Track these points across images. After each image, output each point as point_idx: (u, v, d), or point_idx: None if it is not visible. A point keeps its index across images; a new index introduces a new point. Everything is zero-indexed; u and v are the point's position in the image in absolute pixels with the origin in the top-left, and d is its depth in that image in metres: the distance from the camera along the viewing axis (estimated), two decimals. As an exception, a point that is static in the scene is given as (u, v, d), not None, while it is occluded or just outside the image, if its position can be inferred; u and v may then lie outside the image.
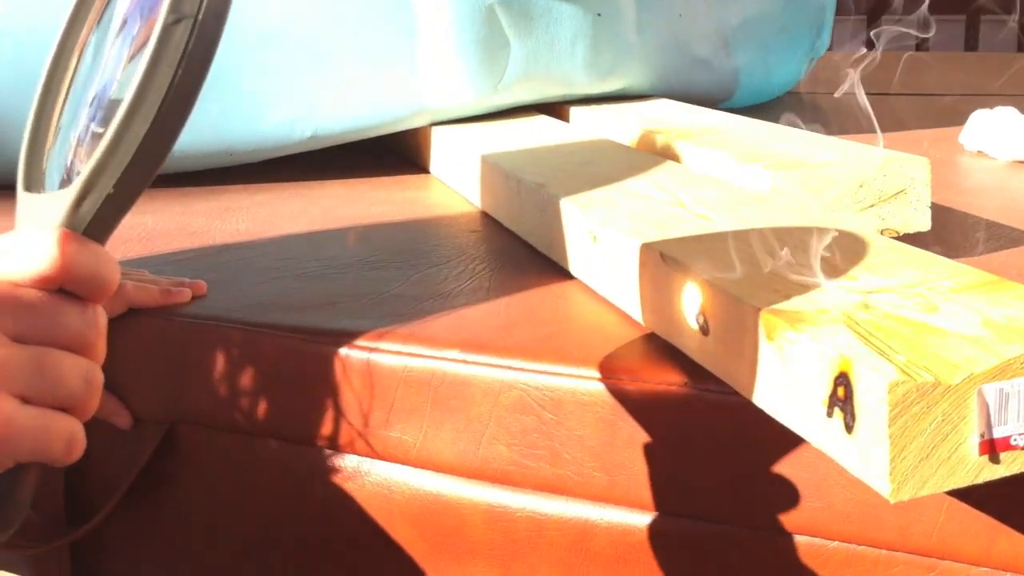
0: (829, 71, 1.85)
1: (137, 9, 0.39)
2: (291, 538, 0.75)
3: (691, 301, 0.59)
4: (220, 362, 0.74)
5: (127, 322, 0.74)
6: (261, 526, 0.76)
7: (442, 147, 1.11)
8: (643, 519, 0.63)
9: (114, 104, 0.37)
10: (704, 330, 0.58)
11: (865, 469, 0.45)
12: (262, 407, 0.73)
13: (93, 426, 0.76)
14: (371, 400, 0.68)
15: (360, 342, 0.69)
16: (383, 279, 0.80)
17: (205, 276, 0.79)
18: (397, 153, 1.24)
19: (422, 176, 1.15)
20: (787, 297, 0.53)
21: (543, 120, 1.14)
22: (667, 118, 1.08)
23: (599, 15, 1.16)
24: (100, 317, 0.39)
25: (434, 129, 1.13)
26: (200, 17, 0.35)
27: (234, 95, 1.07)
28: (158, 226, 0.97)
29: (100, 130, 0.37)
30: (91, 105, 0.39)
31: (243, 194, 1.08)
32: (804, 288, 0.54)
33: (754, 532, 0.60)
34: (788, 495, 0.59)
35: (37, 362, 0.37)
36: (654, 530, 0.63)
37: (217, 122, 1.08)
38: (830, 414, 0.47)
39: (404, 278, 0.79)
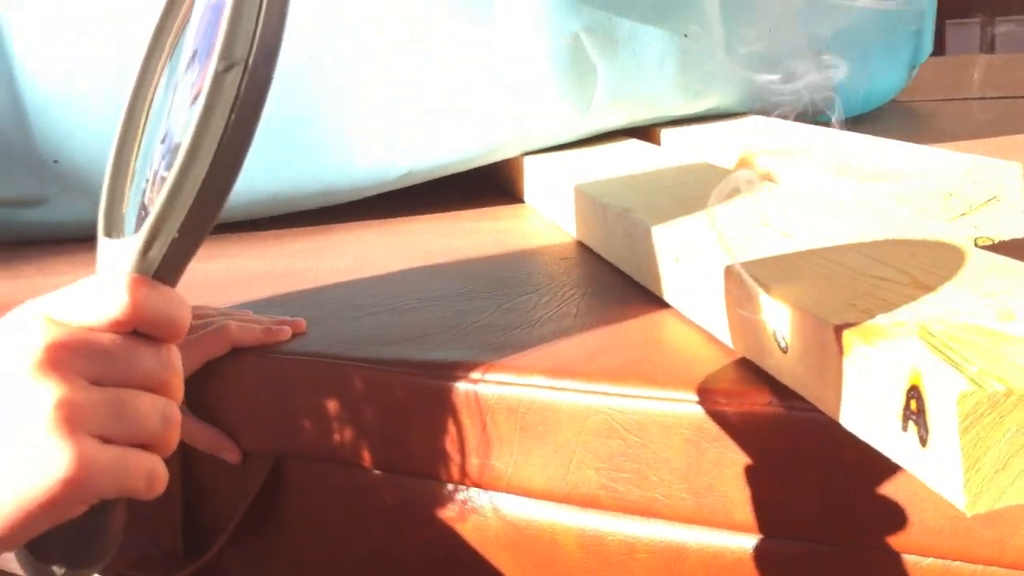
0: (935, 76, 1.81)
1: (199, 51, 0.41)
2: (395, 565, 0.77)
3: (771, 320, 0.59)
4: (320, 396, 0.76)
5: (232, 361, 0.77)
6: (366, 554, 0.78)
7: (534, 176, 1.13)
8: (734, 540, 0.63)
9: (177, 147, 0.39)
10: (784, 349, 0.58)
11: (941, 482, 0.45)
12: (362, 439, 0.76)
13: (206, 462, 0.80)
14: (462, 428, 0.70)
15: (450, 372, 0.70)
16: (474, 310, 0.81)
17: (304, 314, 0.82)
18: (492, 183, 1.26)
19: (516, 206, 1.17)
20: (864, 312, 0.53)
21: (634, 144, 1.15)
22: (758, 136, 1.08)
23: (686, 35, 1.16)
24: (174, 357, 0.41)
25: (526, 158, 1.15)
26: (251, 62, 0.36)
27: (330, 137, 1.11)
28: (260, 268, 1.01)
29: (166, 174, 0.39)
30: (161, 147, 0.41)
31: (340, 233, 1.12)
32: (881, 303, 0.54)
33: (845, 550, 0.60)
34: (878, 512, 0.58)
35: (114, 403, 0.39)
36: (745, 551, 0.63)
37: (314, 164, 1.12)
38: (905, 428, 0.47)
39: (494, 308, 0.81)
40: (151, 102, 0.44)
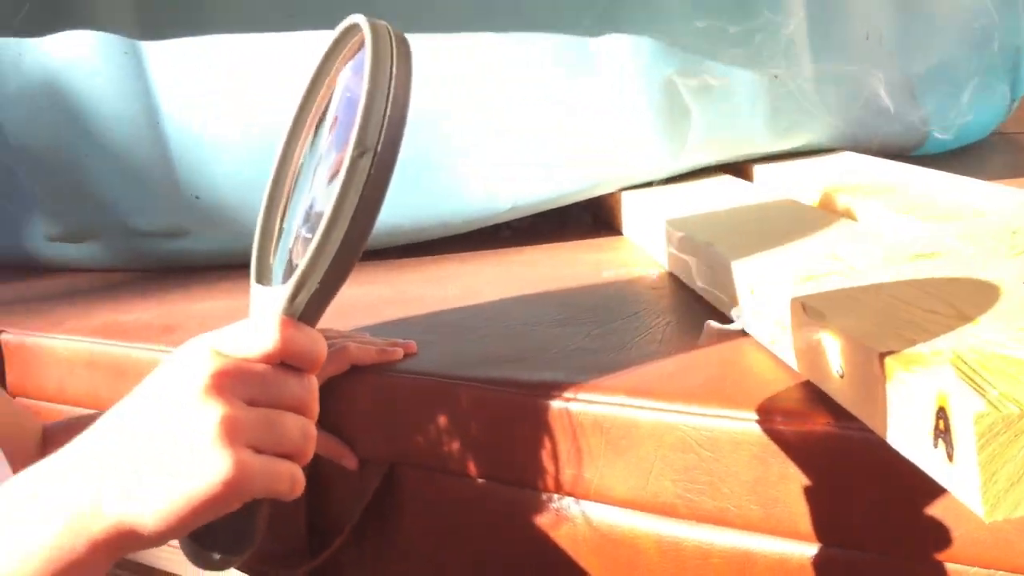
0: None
1: (336, 134, 0.50)
2: (497, 564, 0.85)
3: (829, 348, 0.65)
4: (429, 411, 0.85)
5: (351, 378, 0.87)
6: (468, 555, 0.86)
7: (631, 210, 1.21)
8: (797, 547, 0.69)
9: (318, 216, 0.47)
10: (841, 375, 0.64)
11: (965, 493, 0.51)
12: (466, 450, 0.84)
13: (326, 468, 0.89)
14: (555, 442, 0.78)
15: (546, 391, 0.78)
16: (569, 335, 0.89)
17: (416, 337, 0.91)
18: (593, 215, 1.34)
19: (615, 238, 1.24)
20: (908, 341, 0.59)
21: (726, 180, 1.21)
22: (843, 174, 1.14)
23: (775, 77, 1.22)
24: (313, 384, 0.49)
25: (624, 193, 1.23)
26: (379, 149, 0.45)
27: (446, 177, 1.20)
28: (379, 295, 1.10)
29: (309, 236, 0.48)
30: (304, 212, 0.50)
31: (452, 263, 1.21)
32: (924, 333, 0.60)
33: (896, 559, 0.65)
34: (925, 524, 0.64)
35: (265, 421, 0.47)
36: (807, 558, 0.69)
37: (428, 202, 1.21)
38: (935, 445, 0.53)
39: (586, 333, 0.89)
40: (295, 171, 0.53)
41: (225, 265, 1.25)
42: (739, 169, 1.29)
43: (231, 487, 0.46)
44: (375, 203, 0.46)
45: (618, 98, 1.20)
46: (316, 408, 0.50)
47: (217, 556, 0.50)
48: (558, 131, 1.21)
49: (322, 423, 0.88)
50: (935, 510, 0.63)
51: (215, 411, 0.46)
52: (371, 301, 1.08)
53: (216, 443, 0.45)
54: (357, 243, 0.46)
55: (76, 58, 1.20)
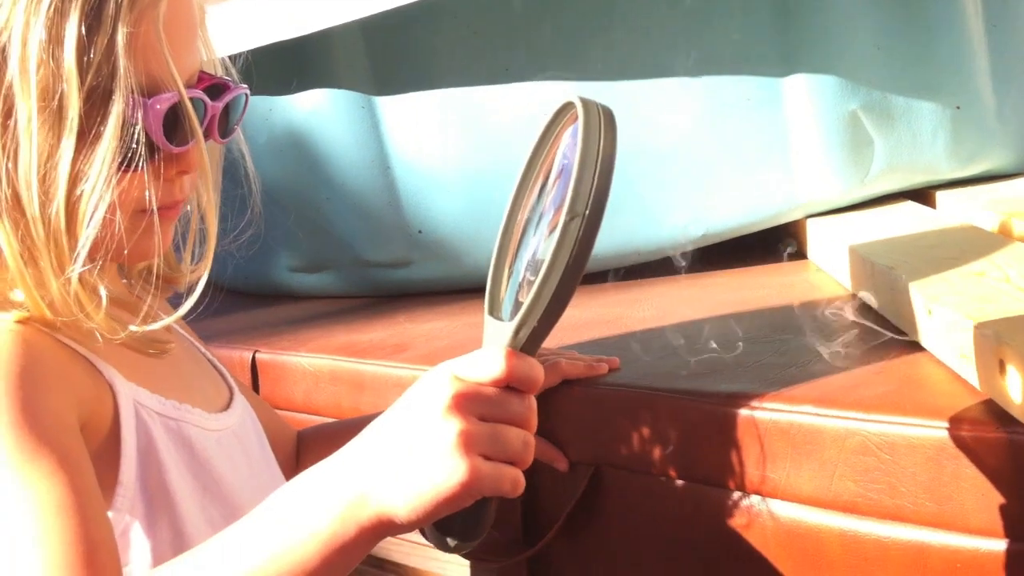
0: None
1: (555, 195, 0.60)
2: (689, 556, 0.94)
3: (1001, 365, 0.73)
4: (631, 419, 0.96)
5: (562, 390, 0.98)
6: (665, 547, 0.96)
7: (816, 236, 1.28)
8: (970, 541, 0.76)
9: (539, 263, 0.56)
10: (1011, 388, 0.72)
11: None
12: (664, 453, 0.95)
13: (541, 470, 1.01)
14: (743, 446, 0.87)
15: (735, 401, 0.88)
16: (759, 351, 0.99)
17: (618, 354, 1.02)
18: (779, 241, 1.42)
19: (800, 262, 1.32)
20: (1066, 355, 0.66)
21: (908, 206, 1.28)
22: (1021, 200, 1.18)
23: (958, 108, 1.28)
24: (532, 403, 0.59)
25: (808, 220, 1.31)
26: (587, 214, 0.55)
27: (640, 208, 1.31)
28: (583, 317, 1.22)
29: (532, 278, 0.57)
30: (529, 259, 0.61)
31: (647, 286, 1.31)
32: (1083, 347, 0.67)
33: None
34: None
35: (494, 434, 0.57)
36: (979, 550, 0.76)
37: (627, 231, 1.32)
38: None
39: (773, 349, 0.98)
40: (521, 223, 0.63)
41: (443, 291, 1.39)
42: (922, 195, 1.34)
43: (466, 487, 0.56)
44: (584, 258, 0.56)
45: (804, 132, 1.28)
46: (535, 423, 0.60)
47: (453, 542, 0.61)
48: (746, 165, 1.30)
49: (537, 430, 0.99)
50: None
51: (455, 425, 0.56)
52: (574, 323, 1.20)
53: (455, 451, 0.55)
54: (569, 290, 0.56)
55: (318, 112, 1.37)
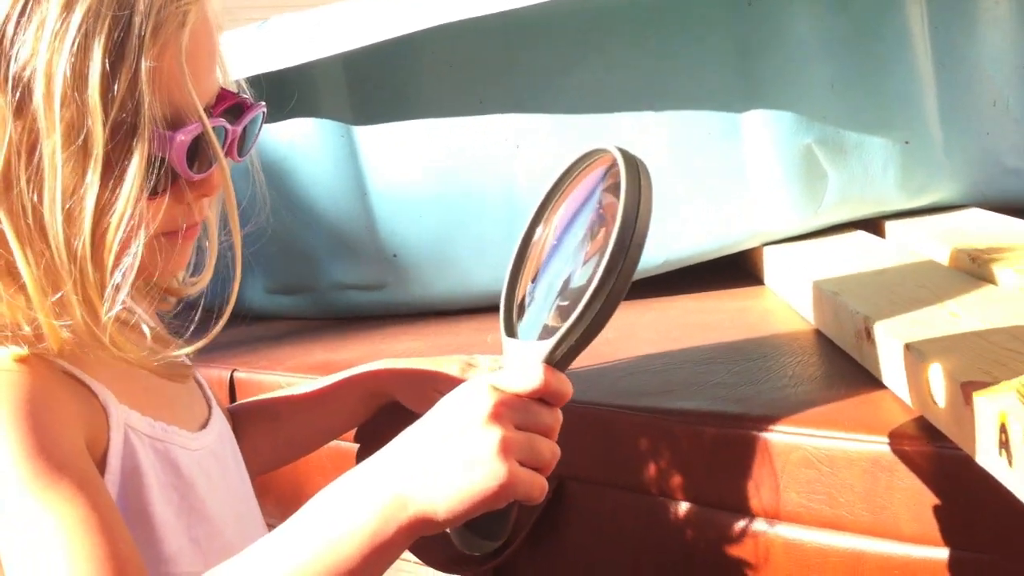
0: None
1: (588, 225, 0.64)
2: (650, 566, 1.00)
3: (930, 382, 0.79)
4: (592, 435, 1.01)
5: (527, 406, 1.04)
6: (628, 557, 1.01)
7: (772, 263, 1.35)
8: (902, 548, 0.82)
9: (575, 291, 0.60)
10: (937, 403, 0.78)
11: (1022, 493, 0.64)
12: (620, 466, 1.00)
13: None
14: (695, 462, 0.93)
15: (691, 418, 0.94)
16: (711, 371, 1.04)
17: (582, 373, 1.08)
18: (737, 267, 1.49)
19: (758, 287, 1.38)
20: (987, 375, 0.72)
21: (859, 236, 1.34)
22: (968, 231, 1.25)
23: (907, 143, 1.35)
24: (560, 415, 0.62)
25: (765, 248, 1.37)
26: (629, 252, 0.59)
27: (604, 234, 1.37)
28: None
29: (565, 303, 0.61)
30: (559, 288, 0.63)
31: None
32: (1004, 369, 0.73)
33: (989, 558, 0.78)
34: (1017, 524, 0.76)
35: (528, 442, 0.60)
36: (911, 557, 0.82)
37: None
38: (1000, 455, 0.66)
39: (727, 371, 1.04)
40: (537, 256, 0.67)
41: (417, 313, 1.45)
42: (873, 224, 1.41)
43: (504, 488, 0.59)
44: (622, 291, 0.60)
45: (762, 165, 1.35)
46: (558, 433, 0.64)
47: (482, 541, 0.66)
48: (707, 195, 1.36)
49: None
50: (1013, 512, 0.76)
51: (496, 432, 0.59)
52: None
53: (497, 455, 0.59)
54: (605, 317, 0.61)
55: (299, 140, 1.43)
